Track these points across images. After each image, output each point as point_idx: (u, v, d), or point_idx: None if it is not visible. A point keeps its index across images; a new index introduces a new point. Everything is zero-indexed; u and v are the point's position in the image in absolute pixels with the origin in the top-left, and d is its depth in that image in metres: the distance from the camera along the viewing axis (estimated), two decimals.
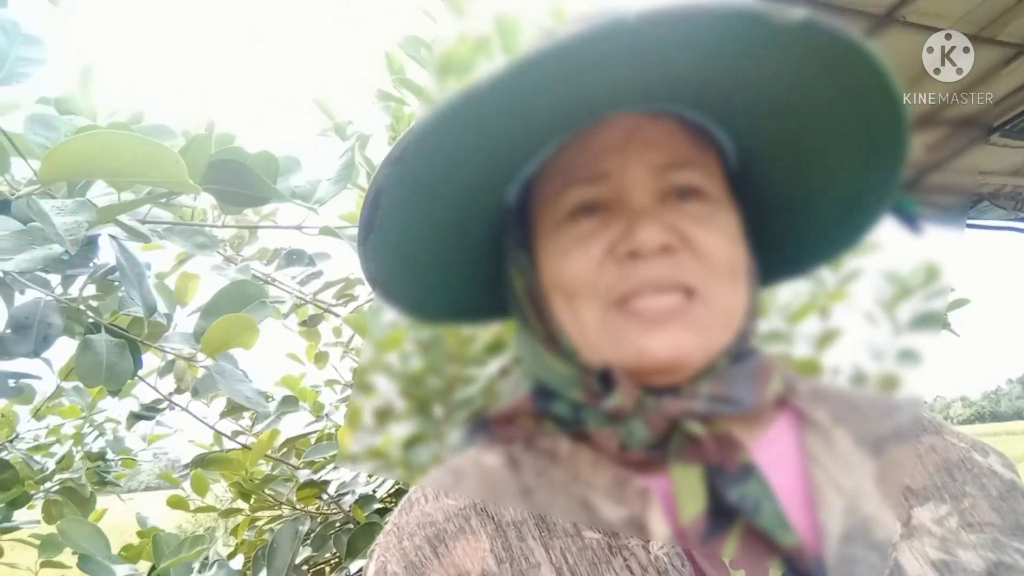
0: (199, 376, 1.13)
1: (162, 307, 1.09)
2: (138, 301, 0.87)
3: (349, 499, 1.25)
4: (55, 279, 0.96)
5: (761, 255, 0.47)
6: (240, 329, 0.86)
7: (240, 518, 1.46)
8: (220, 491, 1.70)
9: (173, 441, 1.74)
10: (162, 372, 1.25)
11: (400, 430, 0.59)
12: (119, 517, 1.65)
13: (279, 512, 1.39)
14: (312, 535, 1.27)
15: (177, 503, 1.47)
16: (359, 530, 1.19)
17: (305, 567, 1.30)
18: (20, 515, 1.39)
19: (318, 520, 1.30)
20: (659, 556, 0.39)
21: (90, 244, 0.93)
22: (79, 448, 1.61)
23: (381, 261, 0.49)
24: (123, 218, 0.85)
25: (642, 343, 0.42)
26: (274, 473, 1.35)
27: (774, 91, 0.43)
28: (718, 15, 0.36)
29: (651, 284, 0.42)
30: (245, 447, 1.35)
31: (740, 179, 0.48)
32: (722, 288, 0.43)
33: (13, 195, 0.75)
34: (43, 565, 1.22)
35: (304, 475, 1.30)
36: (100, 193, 0.81)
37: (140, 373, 1.06)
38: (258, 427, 1.39)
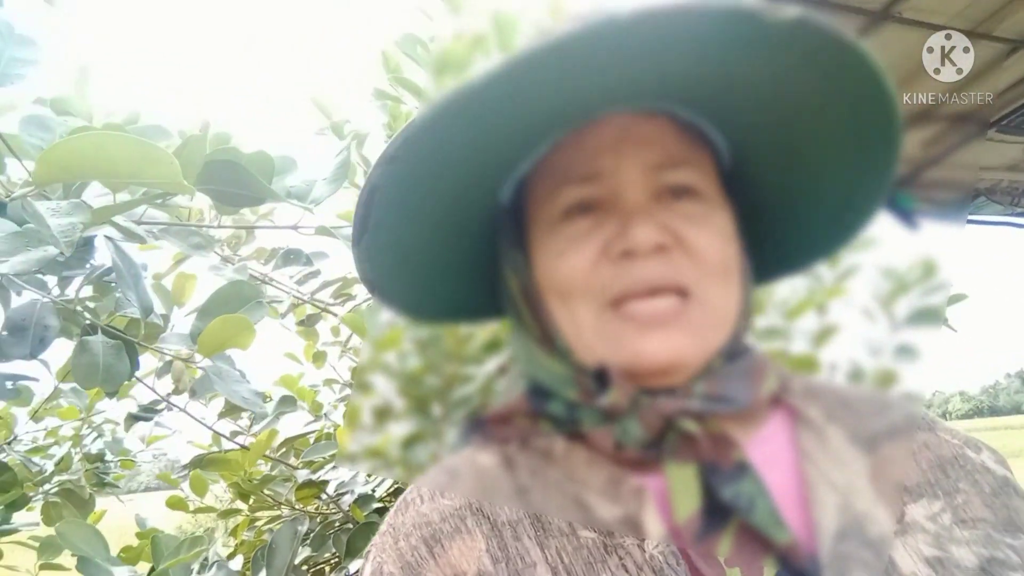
0: (197, 377, 1.13)
1: (159, 308, 1.09)
2: (134, 302, 0.87)
3: (348, 499, 1.25)
4: (52, 280, 0.95)
5: (755, 253, 0.47)
6: (236, 330, 0.86)
7: (239, 518, 1.46)
8: (219, 491, 1.70)
9: (172, 442, 1.74)
10: (160, 373, 1.25)
11: (399, 429, 0.59)
12: (119, 518, 1.65)
13: (278, 512, 1.39)
14: (311, 535, 1.27)
15: (176, 504, 1.47)
16: (358, 530, 1.19)
17: (304, 567, 1.30)
18: (19, 517, 1.39)
19: (317, 520, 1.30)
20: (654, 555, 0.39)
21: (86, 245, 0.93)
22: (78, 450, 1.61)
23: (375, 261, 0.49)
24: (119, 219, 0.85)
25: (638, 346, 0.42)
26: (273, 473, 1.35)
27: (767, 90, 0.43)
28: (711, 14, 0.36)
29: (646, 284, 0.42)
30: (243, 447, 1.35)
31: (733, 178, 0.48)
32: (716, 288, 0.43)
33: (8, 197, 0.75)
34: (42, 567, 1.23)
35: (303, 475, 1.30)
36: (96, 194, 0.81)
37: (138, 374, 1.06)
38: (256, 427, 1.39)
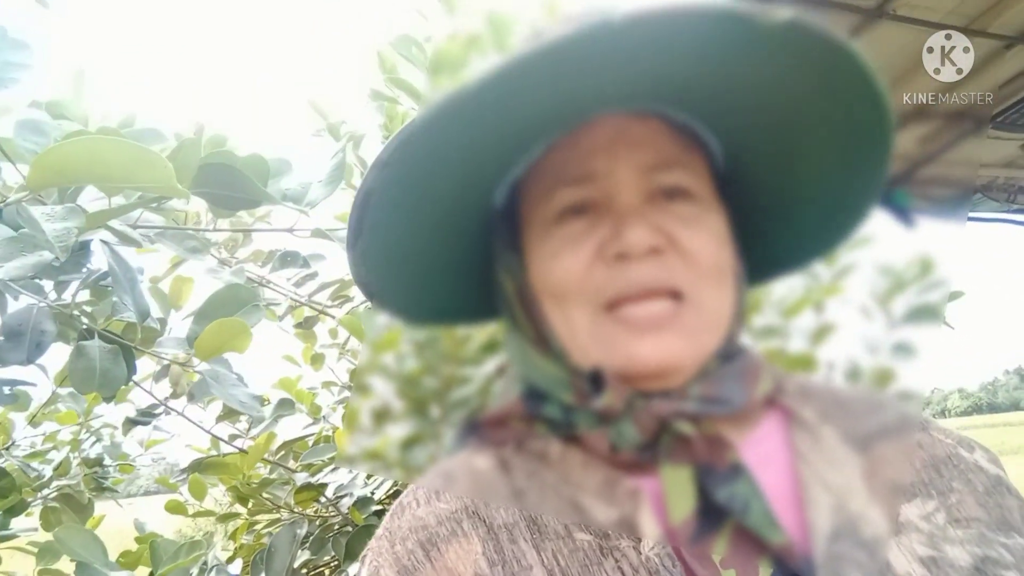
0: (195, 380, 1.13)
1: (156, 311, 1.09)
2: (130, 306, 0.87)
3: (347, 501, 1.25)
4: (48, 285, 0.95)
5: (749, 254, 0.47)
6: (233, 333, 0.86)
7: (238, 522, 1.46)
8: (219, 495, 1.70)
9: (170, 446, 1.74)
10: (158, 377, 1.25)
11: (398, 431, 0.58)
12: (118, 522, 1.65)
13: (277, 515, 1.39)
14: (310, 538, 1.27)
15: (175, 508, 1.47)
16: (357, 533, 1.18)
17: (304, 570, 1.30)
18: (18, 523, 1.38)
19: (316, 523, 1.30)
20: (650, 557, 0.39)
21: (82, 249, 0.93)
22: (76, 454, 1.61)
23: (371, 264, 0.49)
24: (114, 223, 0.85)
25: (632, 349, 0.42)
26: (272, 476, 1.35)
27: (760, 91, 0.43)
28: (704, 16, 0.36)
29: (640, 287, 0.42)
30: (242, 451, 1.34)
31: (727, 179, 0.48)
32: (710, 290, 0.43)
33: (3, 202, 0.75)
34: (41, 573, 1.22)
35: (302, 478, 1.30)
36: (91, 199, 0.81)
37: (136, 377, 1.06)
38: (255, 431, 1.39)
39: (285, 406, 1.35)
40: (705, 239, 0.43)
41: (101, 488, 1.60)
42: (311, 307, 1.39)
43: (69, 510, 1.47)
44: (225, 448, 1.40)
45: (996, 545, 0.40)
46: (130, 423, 1.35)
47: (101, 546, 0.98)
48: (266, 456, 1.32)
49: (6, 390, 1.15)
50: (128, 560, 1.17)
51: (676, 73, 0.41)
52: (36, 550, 1.25)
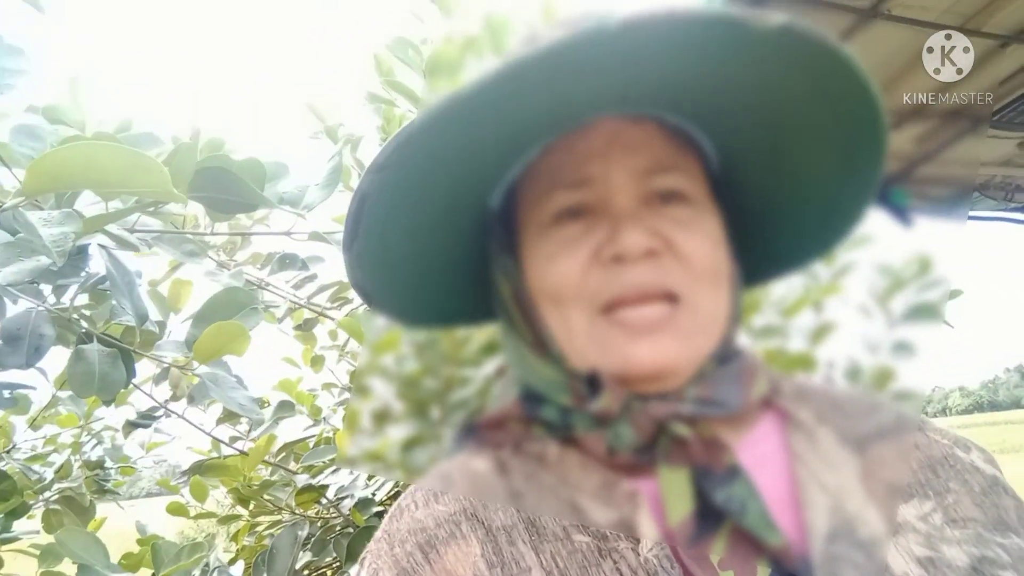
0: (194, 383, 1.13)
1: (155, 315, 1.09)
2: (129, 310, 0.87)
3: (348, 503, 1.25)
4: (47, 289, 0.95)
5: (745, 256, 0.48)
6: (231, 336, 0.86)
7: (240, 524, 1.46)
8: (220, 497, 1.70)
9: (171, 448, 1.74)
10: (157, 380, 1.25)
11: (398, 432, 0.58)
12: (119, 524, 1.65)
13: (278, 517, 1.39)
14: (312, 540, 1.27)
15: (177, 510, 1.47)
16: (358, 534, 1.19)
17: (305, 572, 1.30)
18: (19, 525, 1.38)
19: (317, 524, 1.30)
20: (648, 558, 0.40)
21: (80, 254, 0.93)
22: (77, 457, 1.61)
23: (367, 268, 0.49)
24: (112, 227, 0.85)
25: (628, 352, 0.42)
26: (273, 478, 1.35)
27: (754, 95, 0.43)
28: (698, 21, 0.36)
29: (636, 290, 0.42)
30: (243, 453, 1.35)
31: (721, 182, 0.49)
32: (706, 292, 0.43)
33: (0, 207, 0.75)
34: (43, 575, 1.22)
35: (303, 480, 1.30)
36: (88, 203, 0.81)
37: (136, 380, 1.06)
38: (255, 432, 1.39)
39: (285, 408, 1.35)
40: (700, 242, 0.44)
41: (102, 490, 1.60)
42: (310, 309, 1.39)
43: (71, 512, 1.47)
44: (226, 450, 1.40)
45: (993, 545, 0.41)
46: (131, 426, 1.35)
47: (103, 548, 0.98)
48: (267, 458, 1.32)
49: (6, 394, 1.15)
50: (130, 562, 1.17)
51: (671, 77, 0.41)
52: (38, 552, 1.25)
